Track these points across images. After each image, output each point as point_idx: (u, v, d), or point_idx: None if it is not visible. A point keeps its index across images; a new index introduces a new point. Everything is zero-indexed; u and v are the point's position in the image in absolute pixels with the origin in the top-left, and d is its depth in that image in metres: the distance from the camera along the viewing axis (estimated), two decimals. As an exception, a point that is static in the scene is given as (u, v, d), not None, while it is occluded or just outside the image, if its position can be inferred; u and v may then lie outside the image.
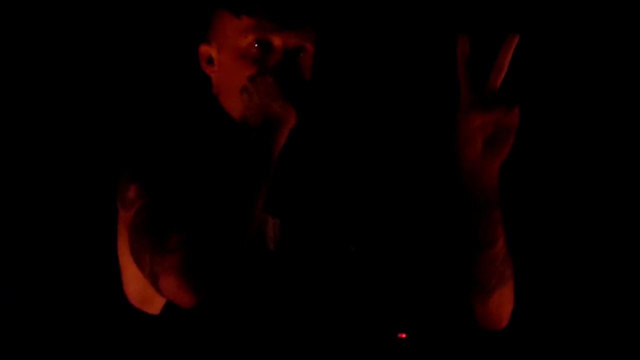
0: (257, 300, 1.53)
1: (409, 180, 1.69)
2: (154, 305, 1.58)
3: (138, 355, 1.62)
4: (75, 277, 2.87)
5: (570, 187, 3.10)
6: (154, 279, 1.45)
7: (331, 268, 1.57)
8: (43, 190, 2.87)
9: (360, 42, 2.96)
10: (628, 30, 3.01)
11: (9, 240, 2.84)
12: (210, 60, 1.66)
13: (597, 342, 3.04)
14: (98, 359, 2.80)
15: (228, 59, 1.62)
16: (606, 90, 3.07)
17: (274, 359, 1.52)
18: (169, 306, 1.56)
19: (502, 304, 1.58)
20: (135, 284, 1.59)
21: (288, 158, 1.56)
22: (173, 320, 1.56)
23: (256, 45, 1.59)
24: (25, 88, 2.84)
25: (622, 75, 3.05)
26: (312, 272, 1.56)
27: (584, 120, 3.08)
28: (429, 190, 1.68)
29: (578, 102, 3.08)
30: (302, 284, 1.55)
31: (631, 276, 3.05)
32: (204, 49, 1.66)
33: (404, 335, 1.54)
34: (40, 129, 2.86)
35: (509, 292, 1.58)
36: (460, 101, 1.48)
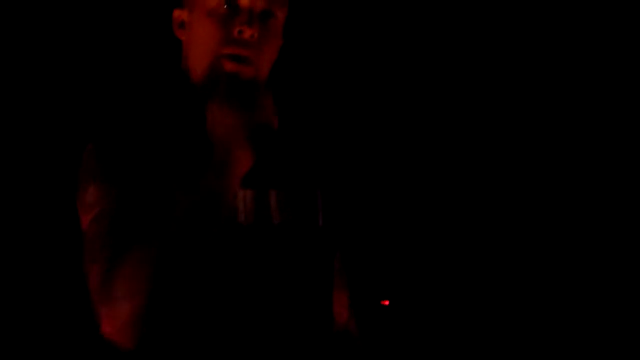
0: (228, 271, 1.53)
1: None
2: None
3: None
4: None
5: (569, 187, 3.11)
6: (96, 313, 1.46)
7: (300, 239, 1.58)
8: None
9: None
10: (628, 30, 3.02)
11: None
12: (182, 25, 1.68)
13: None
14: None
15: (197, 18, 1.64)
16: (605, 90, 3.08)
17: (245, 322, 1.53)
18: None
19: None
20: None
21: (259, 134, 1.53)
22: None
23: (225, 5, 1.61)
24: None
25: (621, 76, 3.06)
26: (282, 244, 1.57)
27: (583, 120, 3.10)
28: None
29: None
30: (272, 255, 1.56)
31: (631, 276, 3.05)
32: (177, 13, 1.69)
33: (387, 303, 1.49)
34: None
35: None
36: None
